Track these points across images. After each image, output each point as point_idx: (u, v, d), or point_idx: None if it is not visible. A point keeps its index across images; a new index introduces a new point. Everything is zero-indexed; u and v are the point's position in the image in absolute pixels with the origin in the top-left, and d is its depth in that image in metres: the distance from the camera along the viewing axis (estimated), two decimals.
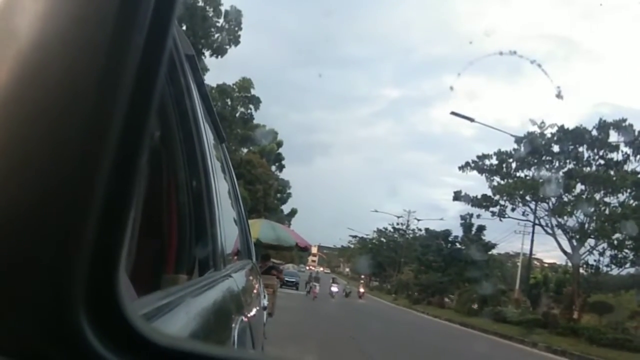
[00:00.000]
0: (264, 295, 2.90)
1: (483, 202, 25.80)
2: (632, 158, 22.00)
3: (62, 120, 0.43)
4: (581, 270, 23.16)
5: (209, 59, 25.19)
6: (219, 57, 25.53)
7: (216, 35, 25.46)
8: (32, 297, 0.43)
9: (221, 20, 25.47)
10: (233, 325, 1.21)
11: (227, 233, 1.65)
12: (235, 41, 25.83)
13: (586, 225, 22.69)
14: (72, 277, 0.44)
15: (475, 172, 25.49)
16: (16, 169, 0.43)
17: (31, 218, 0.43)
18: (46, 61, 0.43)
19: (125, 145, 0.45)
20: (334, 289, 32.00)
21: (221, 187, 1.70)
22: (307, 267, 68.15)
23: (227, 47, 25.67)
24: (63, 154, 0.43)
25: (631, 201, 21.51)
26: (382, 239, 48.60)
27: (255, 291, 2.31)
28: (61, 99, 0.43)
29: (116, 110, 0.45)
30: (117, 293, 0.48)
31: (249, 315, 1.57)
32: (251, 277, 2.30)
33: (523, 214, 24.91)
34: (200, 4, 24.36)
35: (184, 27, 21.14)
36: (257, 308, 2.20)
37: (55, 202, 0.43)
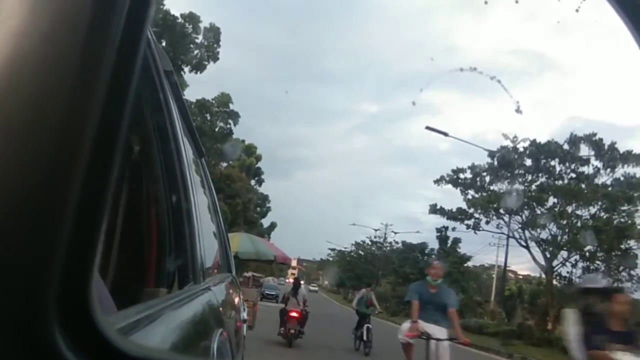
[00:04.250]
0: (244, 308, 2.89)
1: (458, 215, 26.12)
2: (602, 171, 22.68)
3: (34, 132, 0.44)
4: (555, 282, 23.58)
5: (188, 75, 25.15)
6: (198, 72, 25.52)
7: (195, 52, 25.44)
8: (1, 309, 0.43)
9: (200, 37, 25.50)
10: (212, 338, 1.21)
11: (207, 246, 1.66)
12: (214, 57, 25.86)
13: (559, 238, 23.17)
14: (44, 289, 0.44)
15: (450, 186, 25.89)
16: None
17: (0, 229, 0.43)
18: (19, 76, 0.44)
19: (97, 157, 0.46)
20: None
21: (201, 201, 1.71)
22: (287, 280, 67.39)
23: (206, 63, 25.68)
24: (34, 167, 0.43)
25: (602, 214, 22.09)
26: (360, 252, 48.63)
27: (235, 304, 2.30)
28: (35, 109, 0.44)
29: (88, 125, 0.45)
30: (91, 305, 0.47)
31: (228, 328, 1.57)
32: (231, 290, 2.29)
33: (497, 227, 25.33)
34: (180, 20, 24.35)
35: (163, 44, 21.07)
36: (237, 321, 2.19)
37: (26, 214, 0.43)
